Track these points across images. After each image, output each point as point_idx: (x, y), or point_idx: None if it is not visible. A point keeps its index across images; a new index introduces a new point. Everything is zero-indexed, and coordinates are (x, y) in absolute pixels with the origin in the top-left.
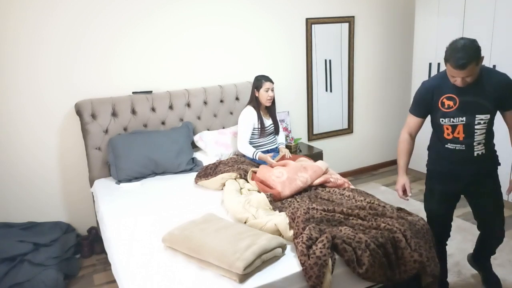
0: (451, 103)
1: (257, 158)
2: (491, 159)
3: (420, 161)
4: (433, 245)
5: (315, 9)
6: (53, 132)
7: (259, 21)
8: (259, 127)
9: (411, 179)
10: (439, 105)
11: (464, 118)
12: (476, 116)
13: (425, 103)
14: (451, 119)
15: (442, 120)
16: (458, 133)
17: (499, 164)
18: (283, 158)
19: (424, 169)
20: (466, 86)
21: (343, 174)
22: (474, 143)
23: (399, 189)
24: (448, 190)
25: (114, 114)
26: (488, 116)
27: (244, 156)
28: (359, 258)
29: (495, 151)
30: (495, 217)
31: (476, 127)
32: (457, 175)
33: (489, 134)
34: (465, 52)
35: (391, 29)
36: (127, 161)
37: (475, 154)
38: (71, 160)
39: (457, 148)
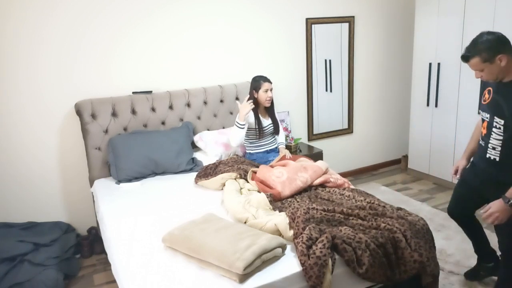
0: (487, 97)
1: (241, 122)
2: (505, 171)
3: (420, 161)
4: (433, 245)
5: (315, 9)
6: (53, 132)
7: (259, 21)
8: (257, 127)
9: (411, 179)
10: (481, 96)
11: (488, 116)
12: (494, 117)
13: (482, 92)
14: (481, 113)
15: (478, 111)
16: (484, 128)
17: None
18: (283, 158)
19: (425, 170)
20: (501, 84)
21: (343, 174)
22: (489, 145)
23: (453, 168)
24: (466, 178)
25: (114, 114)
26: (503, 122)
27: (243, 155)
28: (359, 258)
29: None
30: (498, 233)
31: (493, 129)
32: (474, 168)
33: (509, 146)
34: (471, 45)
35: (391, 29)
36: (127, 161)
37: (487, 156)
38: (71, 160)
39: (480, 142)
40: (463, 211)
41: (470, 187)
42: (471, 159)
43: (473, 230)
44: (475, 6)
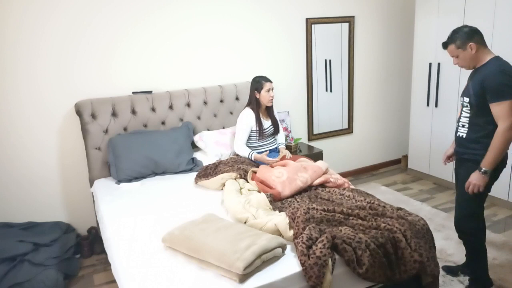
0: (466, 85)
1: (252, 159)
2: (469, 148)
3: (420, 161)
4: (433, 245)
5: (315, 9)
6: (53, 132)
7: (259, 21)
8: (258, 129)
9: (411, 179)
10: None
11: (462, 98)
12: (464, 97)
13: None
14: (460, 97)
15: None
16: (459, 111)
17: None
18: (283, 158)
19: (425, 170)
20: (474, 71)
21: (343, 174)
22: (459, 123)
23: (442, 156)
24: (455, 173)
25: (114, 114)
26: (468, 100)
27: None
28: (359, 258)
29: (479, 145)
30: (457, 206)
31: (464, 108)
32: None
33: (473, 123)
34: (450, 35)
35: (391, 29)
36: (127, 161)
37: (457, 134)
38: (71, 160)
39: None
40: None
41: (456, 180)
42: None
43: None
44: (475, 6)
